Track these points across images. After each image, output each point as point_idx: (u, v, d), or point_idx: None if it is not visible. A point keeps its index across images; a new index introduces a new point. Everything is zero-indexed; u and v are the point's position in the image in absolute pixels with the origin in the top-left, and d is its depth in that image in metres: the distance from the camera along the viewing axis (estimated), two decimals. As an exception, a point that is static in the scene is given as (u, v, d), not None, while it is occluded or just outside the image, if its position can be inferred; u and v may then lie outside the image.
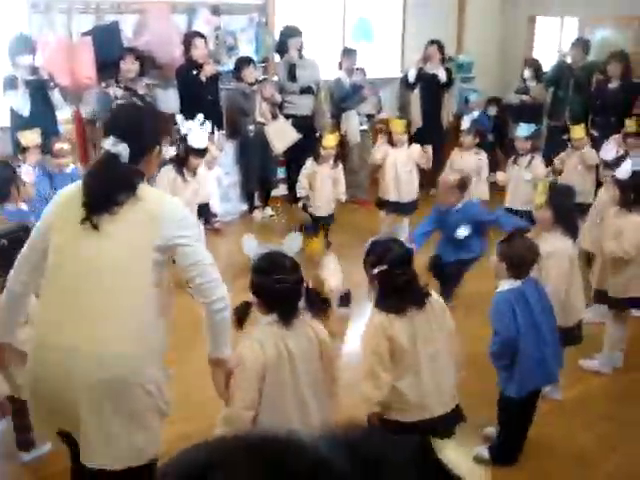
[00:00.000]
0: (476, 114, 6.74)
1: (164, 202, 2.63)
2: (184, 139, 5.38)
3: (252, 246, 2.81)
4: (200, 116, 5.84)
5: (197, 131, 5.37)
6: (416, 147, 6.70)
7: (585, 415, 4.17)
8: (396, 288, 3.02)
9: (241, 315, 2.75)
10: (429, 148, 6.74)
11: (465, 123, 6.61)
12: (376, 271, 3.01)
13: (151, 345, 2.55)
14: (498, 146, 8.65)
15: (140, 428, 2.51)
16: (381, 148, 6.68)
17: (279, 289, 2.66)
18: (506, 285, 3.55)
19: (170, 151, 5.44)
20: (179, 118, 5.90)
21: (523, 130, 6.30)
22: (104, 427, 2.45)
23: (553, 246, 3.98)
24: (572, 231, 4.15)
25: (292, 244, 2.81)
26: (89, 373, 2.42)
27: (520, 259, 3.53)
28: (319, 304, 2.86)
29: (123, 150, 2.55)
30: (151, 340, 2.55)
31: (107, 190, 2.52)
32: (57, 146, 5.54)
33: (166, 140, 2.85)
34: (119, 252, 2.51)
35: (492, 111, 8.94)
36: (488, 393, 3.73)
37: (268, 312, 2.72)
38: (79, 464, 2.58)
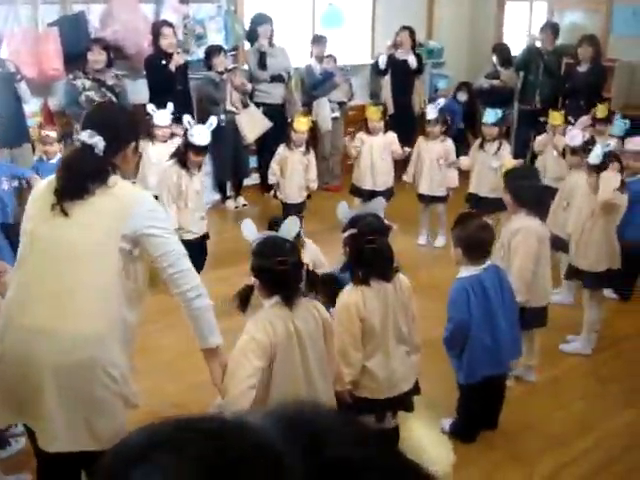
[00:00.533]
0: (441, 102, 6.61)
1: (134, 194, 2.70)
2: (185, 135, 5.26)
3: (251, 230, 2.80)
4: (170, 105, 5.83)
5: (199, 127, 5.23)
6: (392, 135, 6.69)
7: (560, 395, 4.21)
8: (363, 255, 3.03)
9: (243, 299, 2.75)
10: (407, 150, 6.72)
11: (431, 113, 6.44)
12: (346, 234, 3.02)
13: (117, 332, 2.58)
14: (469, 132, 8.65)
15: (103, 414, 2.55)
16: (356, 140, 6.64)
17: (280, 271, 2.66)
18: (465, 272, 3.56)
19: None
20: (150, 107, 5.87)
21: (490, 116, 6.23)
22: (66, 411, 2.49)
23: (520, 224, 4.01)
24: (536, 211, 4.13)
25: (289, 228, 2.79)
26: (54, 354, 2.47)
27: (475, 241, 3.52)
28: (320, 285, 2.84)
29: (99, 142, 2.62)
30: (117, 327, 2.58)
31: (79, 178, 2.59)
32: (44, 132, 5.46)
33: (142, 137, 3.00)
34: (85, 238, 2.56)
35: (462, 97, 8.92)
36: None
37: (270, 295, 2.72)
38: (41, 454, 2.63)
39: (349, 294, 3.06)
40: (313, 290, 2.81)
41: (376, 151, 6.55)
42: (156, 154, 5.88)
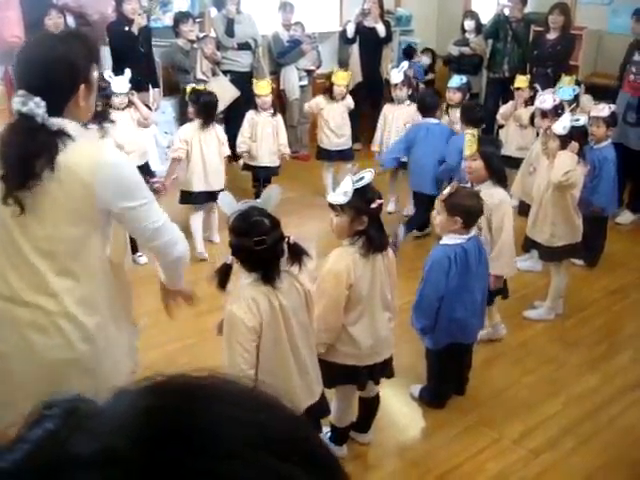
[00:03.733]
0: (405, 65, 6.54)
1: (93, 163, 2.16)
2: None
3: (229, 203, 2.68)
4: (128, 72, 5.67)
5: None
6: (350, 99, 6.78)
7: (527, 361, 4.26)
8: (373, 229, 3.02)
9: (222, 276, 2.65)
10: None
11: (395, 77, 6.39)
12: (374, 205, 2.97)
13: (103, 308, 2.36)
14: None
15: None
16: (312, 104, 6.79)
17: (259, 251, 2.56)
18: (449, 240, 3.55)
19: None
20: (107, 74, 5.70)
21: (453, 81, 6.31)
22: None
23: (498, 197, 4.00)
24: (502, 181, 4.14)
25: (270, 197, 2.70)
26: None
27: (474, 210, 3.52)
28: (303, 257, 2.73)
29: (35, 107, 2.11)
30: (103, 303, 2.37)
31: (23, 161, 2.11)
32: None
33: (96, 67, 2.29)
34: (53, 229, 2.22)
35: (427, 61, 8.92)
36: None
37: (250, 272, 2.65)
38: None
39: (340, 259, 3.01)
40: (296, 262, 2.71)
41: (338, 114, 6.69)
42: (117, 125, 5.74)
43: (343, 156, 6.77)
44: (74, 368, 2.27)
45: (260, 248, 2.55)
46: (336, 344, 3.07)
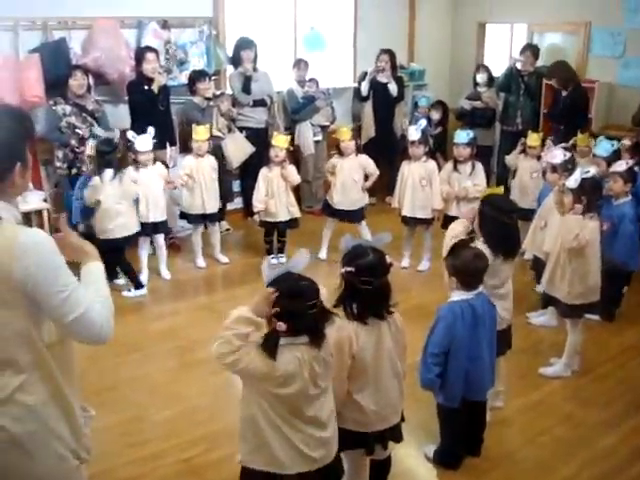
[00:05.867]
0: (423, 123, 6.53)
1: (16, 247, 1.98)
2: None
3: (268, 270, 2.68)
4: (151, 129, 5.90)
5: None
6: (364, 157, 6.81)
7: (542, 420, 4.21)
8: (357, 294, 2.99)
9: (272, 346, 2.58)
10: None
11: (413, 135, 6.41)
12: (343, 270, 2.98)
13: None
14: (439, 152, 8.63)
15: None
16: (329, 166, 6.81)
17: (312, 314, 2.60)
18: (457, 296, 3.55)
19: None
20: (130, 134, 5.94)
21: (461, 137, 6.28)
22: None
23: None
24: (491, 243, 3.80)
25: (299, 261, 2.70)
26: None
27: (471, 270, 3.51)
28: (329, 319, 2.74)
29: None
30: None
31: None
32: None
33: (30, 145, 2.21)
34: None
35: (435, 115, 8.99)
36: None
37: (298, 335, 2.62)
38: None
39: (341, 329, 2.98)
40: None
41: (347, 172, 6.67)
42: (142, 180, 6.03)
43: (350, 217, 6.78)
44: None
45: (313, 311, 2.59)
46: (343, 410, 3.04)
